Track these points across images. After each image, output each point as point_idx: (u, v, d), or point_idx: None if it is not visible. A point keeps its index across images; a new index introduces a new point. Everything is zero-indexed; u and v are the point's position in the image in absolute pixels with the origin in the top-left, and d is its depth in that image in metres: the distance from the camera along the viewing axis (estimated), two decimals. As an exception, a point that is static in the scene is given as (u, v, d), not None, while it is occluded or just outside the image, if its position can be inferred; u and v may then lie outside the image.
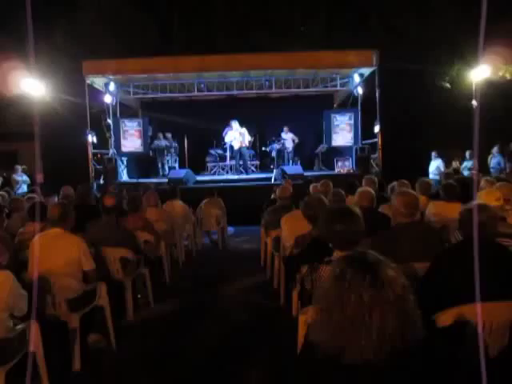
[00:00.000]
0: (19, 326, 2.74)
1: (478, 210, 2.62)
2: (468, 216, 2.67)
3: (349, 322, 1.26)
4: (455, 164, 14.29)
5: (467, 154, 12.32)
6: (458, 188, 5.12)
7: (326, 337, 1.30)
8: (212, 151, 14.65)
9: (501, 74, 15.10)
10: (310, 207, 3.68)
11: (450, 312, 2.45)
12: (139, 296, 4.92)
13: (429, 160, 12.93)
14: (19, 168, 12.48)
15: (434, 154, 12.77)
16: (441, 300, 2.52)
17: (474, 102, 12.18)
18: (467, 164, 12.24)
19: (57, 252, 3.44)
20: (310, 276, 2.37)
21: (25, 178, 12.42)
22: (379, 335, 1.24)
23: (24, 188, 12.00)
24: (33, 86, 11.26)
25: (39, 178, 10.89)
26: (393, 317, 1.24)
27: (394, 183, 5.94)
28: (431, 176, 11.92)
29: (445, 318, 2.47)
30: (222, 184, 11.47)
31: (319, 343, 1.32)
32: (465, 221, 2.71)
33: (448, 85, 16.68)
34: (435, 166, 12.53)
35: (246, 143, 13.25)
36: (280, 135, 13.91)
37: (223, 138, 13.89)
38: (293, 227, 4.29)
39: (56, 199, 6.97)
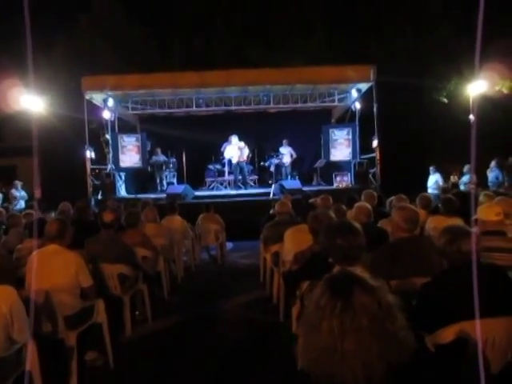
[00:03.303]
0: (16, 345, 2.70)
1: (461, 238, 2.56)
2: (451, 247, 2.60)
3: (322, 349, 1.24)
4: (453, 178, 14.34)
5: (465, 168, 12.34)
6: (457, 202, 5.13)
7: (308, 363, 1.29)
8: (210, 166, 14.65)
9: (497, 88, 15.24)
10: (318, 221, 3.65)
11: (451, 328, 2.43)
12: (137, 312, 4.88)
13: (427, 174, 12.96)
14: (18, 183, 12.46)
15: (432, 168, 12.81)
16: (439, 318, 2.50)
17: (471, 117, 12.26)
18: (464, 179, 12.25)
19: (54, 268, 3.41)
20: (310, 294, 2.35)
21: (23, 193, 12.39)
22: (357, 362, 1.21)
23: (22, 204, 11.98)
24: (32, 102, 11.31)
25: (37, 193, 10.91)
26: (369, 343, 1.22)
27: (392, 198, 5.93)
28: (430, 190, 11.93)
29: (446, 335, 2.45)
30: (220, 199, 11.46)
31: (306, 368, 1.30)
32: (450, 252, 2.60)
33: (445, 99, 16.83)
34: (434, 180, 12.56)
35: (245, 158, 13.26)
36: (278, 150, 13.94)
37: (222, 153, 13.92)
38: (296, 241, 4.26)
39: (53, 215, 6.96)
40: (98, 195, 12.20)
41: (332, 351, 1.23)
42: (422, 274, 2.95)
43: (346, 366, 1.22)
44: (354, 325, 1.22)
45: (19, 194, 12.21)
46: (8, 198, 12.18)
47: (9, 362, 2.65)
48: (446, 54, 16.08)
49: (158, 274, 5.62)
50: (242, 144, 13.11)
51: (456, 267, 2.55)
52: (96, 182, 12.40)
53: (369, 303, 1.25)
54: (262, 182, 14.76)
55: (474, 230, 2.79)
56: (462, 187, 11.95)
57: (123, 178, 13.49)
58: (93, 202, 11.23)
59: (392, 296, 1.32)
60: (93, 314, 3.67)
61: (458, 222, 4.79)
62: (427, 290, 2.61)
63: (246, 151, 13.31)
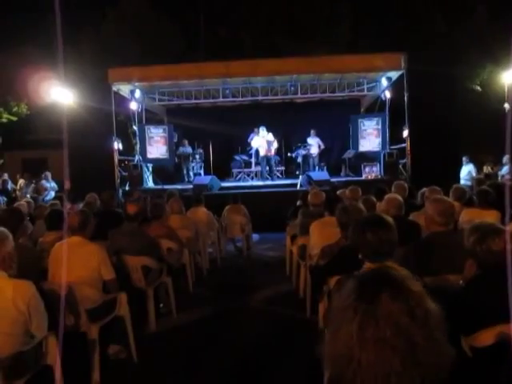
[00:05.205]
0: (36, 339, 2.65)
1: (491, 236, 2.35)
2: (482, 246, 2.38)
3: (341, 356, 1.10)
4: (487, 169, 13.87)
5: (504, 159, 11.86)
6: (492, 194, 4.89)
7: (331, 370, 1.14)
8: (237, 157, 14.61)
9: (535, 75, 14.61)
10: (347, 214, 3.49)
11: (489, 331, 2.26)
12: (161, 305, 4.84)
13: (459, 165, 12.59)
14: (48, 174, 12.66)
15: (465, 158, 12.44)
16: (475, 321, 2.32)
17: (507, 105, 11.81)
18: (504, 170, 11.78)
19: (76, 261, 3.37)
20: (337, 292, 2.21)
21: (53, 184, 12.58)
22: (373, 375, 1.06)
23: (52, 194, 12.16)
24: (62, 95, 11.43)
25: (66, 184, 11.02)
26: (390, 357, 1.06)
27: (425, 189, 5.72)
28: (462, 182, 11.60)
29: (484, 338, 2.27)
30: (247, 190, 11.38)
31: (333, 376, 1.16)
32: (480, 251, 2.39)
33: (479, 87, 16.26)
34: (467, 171, 12.19)
35: (273, 152, 13.10)
36: (306, 140, 13.75)
37: (249, 144, 13.85)
38: (323, 234, 4.14)
39: (81, 206, 6.98)
40: (125, 186, 12.28)
41: (349, 359, 1.09)
42: (458, 271, 2.78)
43: (363, 375, 1.08)
44: (375, 334, 1.07)
45: (49, 185, 12.40)
46: (38, 189, 12.37)
47: (28, 357, 2.60)
48: (479, 41, 15.52)
49: (183, 266, 5.58)
50: (271, 137, 12.94)
51: (489, 268, 2.37)
52: (124, 174, 12.48)
53: (396, 313, 1.07)
54: (289, 174, 14.65)
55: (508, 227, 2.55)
56: (500, 179, 11.51)
57: (150, 169, 13.57)
58: (120, 193, 11.29)
59: (434, 304, 1.14)
60: (115, 307, 3.62)
61: (493, 214, 4.59)
62: (462, 293, 2.44)
63: (275, 145, 13.16)
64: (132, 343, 3.75)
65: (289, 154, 14.49)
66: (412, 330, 1.06)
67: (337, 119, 14.39)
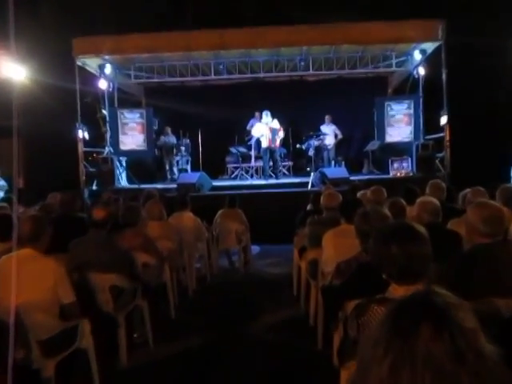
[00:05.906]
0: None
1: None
2: None
3: None
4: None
5: None
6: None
7: None
8: (233, 149, 14.60)
9: None
10: (368, 221, 3.48)
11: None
12: (135, 335, 4.86)
13: (511, 161, 12.59)
14: (-5, 171, 12.62)
15: (517, 152, 12.43)
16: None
17: None
18: None
19: (26, 280, 3.33)
20: (355, 320, 2.19)
21: (2, 182, 12.53)
22: None
23: (1, 195, 12.11)
24: (13, 71, 11.39)
25: (19, 182, 11.01)
26: None
27: (467, 191, 5.74)
28: (515, 181, 11.59)
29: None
30: (245, 191, 11.38)
31: None
32: None
33: (536, 64, 16.25)
34: (520, 168, 12.19)
35: (278, 143, 13.05)
36: (319, 129, 13.74)
37: (248, 132, 13.83)
38: (338, 247, 4.17)
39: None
40: (92, 185, 12.28)
41: None
42: (509, 294, 2.76)
43: None
44: (410, 380, 1.03)
45: (-3, 183, 12.35)
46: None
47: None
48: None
49: (163, 285, 5.61)
50: (276, 124, 12.89)
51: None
52: (91, 169, 12.48)
53: (439, 354, 1.02)
54: (298, 170, 14.75)
55: None
56: None
57: (124, 163, 13.58)
58: (86, 194, 11.29)
59: (491, 346, 1.08)
60: (76, 337, 3.63)
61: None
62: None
63: (281, 134, 13.10)
64: (97, 382, 3.74)
65: (298, 146, 14.49)
66: (459, 378, 1.01)
67: (358, 102, 14.41)
